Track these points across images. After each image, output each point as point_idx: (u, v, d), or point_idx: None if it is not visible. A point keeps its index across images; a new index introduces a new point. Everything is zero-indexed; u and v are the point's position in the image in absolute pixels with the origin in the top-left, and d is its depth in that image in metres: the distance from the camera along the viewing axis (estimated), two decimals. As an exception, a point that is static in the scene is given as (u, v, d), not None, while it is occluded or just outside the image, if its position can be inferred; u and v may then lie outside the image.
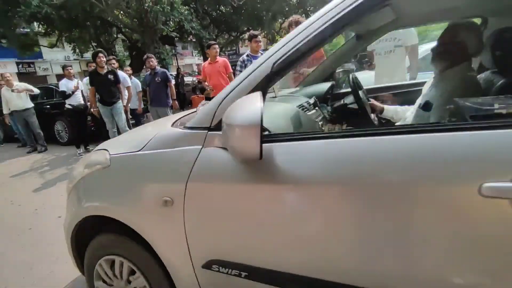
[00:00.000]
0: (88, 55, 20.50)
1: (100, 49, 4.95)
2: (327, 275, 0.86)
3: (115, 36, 17.57)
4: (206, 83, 4.72)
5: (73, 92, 5.43)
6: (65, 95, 5.43)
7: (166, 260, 1.11)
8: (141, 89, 5.75)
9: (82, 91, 5.61)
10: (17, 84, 5.97)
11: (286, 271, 0.90)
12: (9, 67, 19.10)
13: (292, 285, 0.92)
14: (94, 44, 15.94)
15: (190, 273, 1.07)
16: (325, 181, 0.83)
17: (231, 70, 4.67)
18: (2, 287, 1.98)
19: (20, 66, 20.73)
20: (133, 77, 5.81)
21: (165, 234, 1.08)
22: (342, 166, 0.81)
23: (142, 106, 5.80)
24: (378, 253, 0.80)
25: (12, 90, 5.84)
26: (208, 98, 7.10)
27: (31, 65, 21.40)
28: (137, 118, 6.02)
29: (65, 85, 5.40)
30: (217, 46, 4.56)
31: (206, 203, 1.00)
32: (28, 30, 14.62)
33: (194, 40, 19.78)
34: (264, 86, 0.93)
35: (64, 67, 5.65)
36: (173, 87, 5.31)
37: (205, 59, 21.45)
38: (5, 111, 6.12)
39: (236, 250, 0.99)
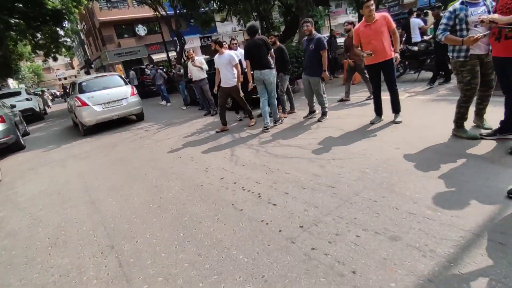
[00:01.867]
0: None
1: None
2: None
3: (272, 3, 18.32)
4: (359, 49, 4.11)
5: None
6: None
7: None
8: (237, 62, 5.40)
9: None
10: (196, 58, 7.29)
11: None
12: (195, 42, 24.02)
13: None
14: (254, 14, 17.29)
15: None
16: None
17: (394, 25, 3.90)
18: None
19: (202, 40, 25.54)
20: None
21: None
22: None
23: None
24: None
25: (193, 64, 7.21)
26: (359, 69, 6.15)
27: (209, 39, 25.95)
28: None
29: None
30: (372, 2, 3.79)
31: None
32: (207, 8, 17.46)
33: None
34: None
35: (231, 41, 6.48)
36: (326, 56, 4.92)
37: (361, 15, 19.40)
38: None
39: None
